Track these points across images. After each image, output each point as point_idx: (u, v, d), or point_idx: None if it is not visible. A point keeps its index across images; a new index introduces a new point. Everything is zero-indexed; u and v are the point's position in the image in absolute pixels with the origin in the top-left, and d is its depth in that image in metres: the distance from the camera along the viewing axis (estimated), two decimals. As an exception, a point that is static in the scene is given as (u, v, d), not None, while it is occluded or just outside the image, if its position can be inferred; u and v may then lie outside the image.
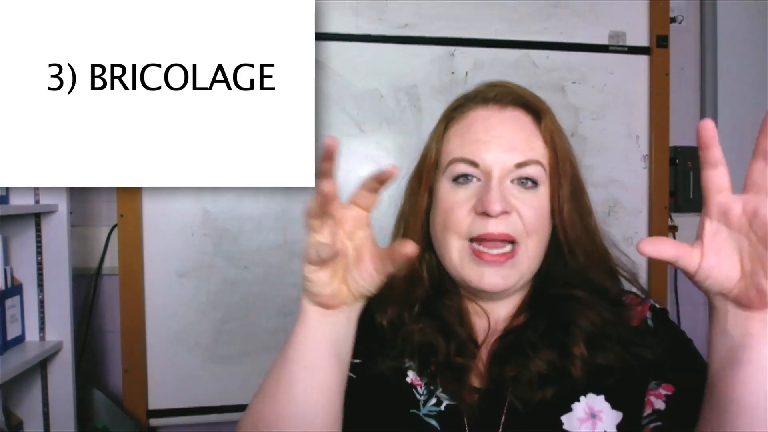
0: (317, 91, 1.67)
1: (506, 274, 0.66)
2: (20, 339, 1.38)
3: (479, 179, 0.67)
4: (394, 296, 0.72)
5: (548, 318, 0.68)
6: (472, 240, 0.67)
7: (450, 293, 0.73)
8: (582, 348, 0.64)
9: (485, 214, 0.65)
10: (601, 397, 0.65)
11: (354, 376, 0.70)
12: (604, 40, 1.83)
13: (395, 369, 0.69)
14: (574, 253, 0.70)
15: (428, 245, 0.73)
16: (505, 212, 0.65)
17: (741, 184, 0.52)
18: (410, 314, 0.70)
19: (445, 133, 0.73)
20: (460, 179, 0.68)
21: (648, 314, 0.72)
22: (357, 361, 0.70)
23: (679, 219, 1.97)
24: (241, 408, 1.64)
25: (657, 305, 0.74)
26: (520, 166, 0.67)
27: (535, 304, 0.72)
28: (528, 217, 0.66)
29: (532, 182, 0.68)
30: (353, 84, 1.69)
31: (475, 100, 0.71)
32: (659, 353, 0.66)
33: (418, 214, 0.73)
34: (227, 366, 1.65)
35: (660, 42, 1.85)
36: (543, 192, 0.69)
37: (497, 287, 0.66)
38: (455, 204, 0.68)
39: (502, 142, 0.67)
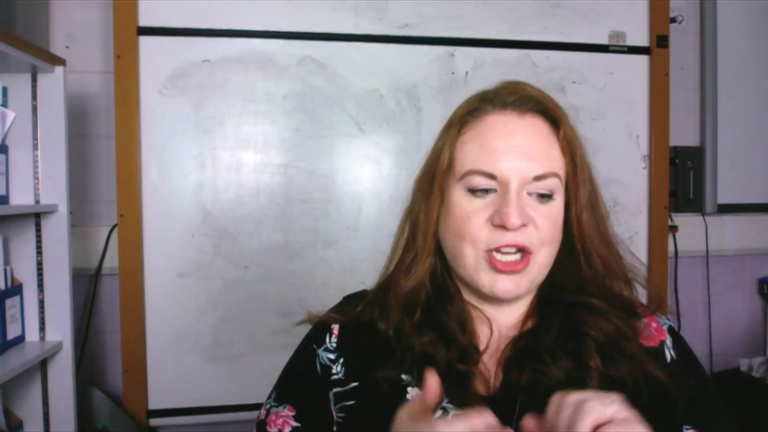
0: (317, 91, 1.67)
1: (518, 281, 0.66)
2: (20, 339, 1.38)
3: (496, 190, 0.66)
4: (395, 302, 0.71)
5: (559, 323, 0.68)
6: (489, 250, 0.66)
7: (452, 299, 0.72)
8: (597, 360, 0.64)
9: (503, 227, 0.64)
10: None
11: (353, 402, 0.69)
12: (604, 40, 1.83)
13: (394, 385, 0.68)
14: (591, 261, 0.69)
15: (435, 249, 0.72)
16: (523, 225, 0.64)
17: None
18: (411, 322, 0.69)
19: (459, 137, 0.70)
20: (478, 192, 0.67)
21: (667, 339, 0.71)
22: (354, 384, 0.70)
23: (679, 219, 1.97)
24: (241, 408, 1.65)
25: (668, 322, 0.74)
26: (538, 179, 0.66)
27: (544, 308, 0.71)
28: (543, 228, 0.66)
29: (548, 195, 0.67)
30: (353, 84, 1.69)
31: (493, 103, 0.69)
32: (682, 388, 0.66)
33: (430, 219, 0.71)
34: (227, 366, 1.65)
35: (660, 42, 1.85)
36: (558, 202, 0.68)
37: (509, 294, 0.66)
38: (471, 213, 0.66)
39: (521, 152, 0.65)
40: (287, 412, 0.72)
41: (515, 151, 0.66)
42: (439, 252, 0.72)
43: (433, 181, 0.71)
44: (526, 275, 0.66)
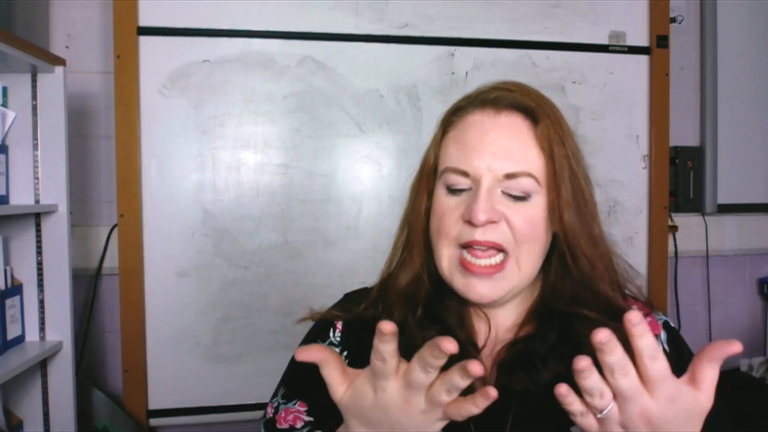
0: (317, 91, 1.67)
1: (493, 286, 0.66)
2: (20, 339, 1.38)
3: (471, 189, 0.67)
4: (397, 299, 0.72)
5: (557, 331, 0.67)
6: (462, 246, 0.66)
7: (452, 295, 0.72)
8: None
9: (471, 223, 0.64)
10: None
11: None
12: (604, 40, 1.83)
13: None
14: (578, 261, 0.69)
15: (426, 244, 0.73)
16: (492, 221, 0.64)
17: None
18: (414, 318, 0.70)
19: (443, 138, 0.71)
20: (453, 191, 0.68)
21: (662, 334, 0.71)
22: None
23: (679, 219, 1.97)
24: (241, 408, 1.65)
25: (664, 318, 0.73)
26: (509, 177, 0.65)
27: (543, 315, 0.71)
28: (518, 225, 0.65)
29: (522, 197, 0.66)
30: (353, 84, 1.69)
31: (474, 103, 0.70)
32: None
33: (419, 218, 0.73)
34: (227, 366, 1.65)
35: (660, 42, 1.85)
36: (537, 201, 0.67)
37: (483, 298, 0.66)
38: (447, 210, 0.68)
39: (494, 150, 0.66)
40: (299, 407, 0.72)
41: (489, 150, 0.66)
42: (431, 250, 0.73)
43: (421, 180, 0.73)
44: (503, 280, 0.66)
